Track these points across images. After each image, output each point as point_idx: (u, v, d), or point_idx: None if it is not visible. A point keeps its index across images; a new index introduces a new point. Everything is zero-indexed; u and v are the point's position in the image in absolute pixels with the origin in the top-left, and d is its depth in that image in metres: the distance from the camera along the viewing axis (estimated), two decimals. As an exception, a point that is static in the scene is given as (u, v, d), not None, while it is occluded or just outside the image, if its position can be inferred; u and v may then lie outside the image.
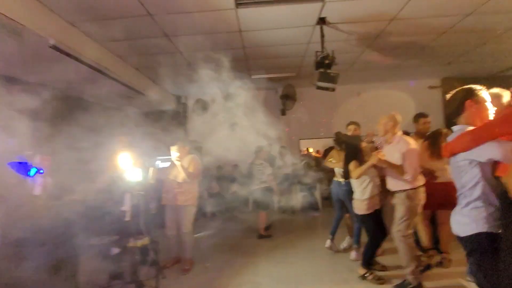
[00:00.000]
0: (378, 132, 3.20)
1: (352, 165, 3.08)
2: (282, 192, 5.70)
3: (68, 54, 3.57)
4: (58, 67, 3.43)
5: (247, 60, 5.46)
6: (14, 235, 2.66)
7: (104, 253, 3.12)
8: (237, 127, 7.25)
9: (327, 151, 4.28)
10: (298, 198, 6.31)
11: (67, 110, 3.74)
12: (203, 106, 7.62)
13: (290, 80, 6.84)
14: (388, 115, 3.06)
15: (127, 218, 2.95)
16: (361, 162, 3.03)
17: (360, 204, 3.09)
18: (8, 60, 3.55)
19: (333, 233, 4.01)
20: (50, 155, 2.61)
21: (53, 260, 2.70)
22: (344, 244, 4.07)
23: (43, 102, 2.73)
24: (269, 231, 5.03)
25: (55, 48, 3.40)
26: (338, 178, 3.81)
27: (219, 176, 7.01)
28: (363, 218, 3.16)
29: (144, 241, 3.03)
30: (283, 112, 7.39)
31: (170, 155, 3.59)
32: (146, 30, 4.06)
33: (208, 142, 6.97)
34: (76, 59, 3.60)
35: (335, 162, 3.84)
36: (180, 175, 3.49)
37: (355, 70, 6.28)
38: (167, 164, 3.95)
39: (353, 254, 3.71)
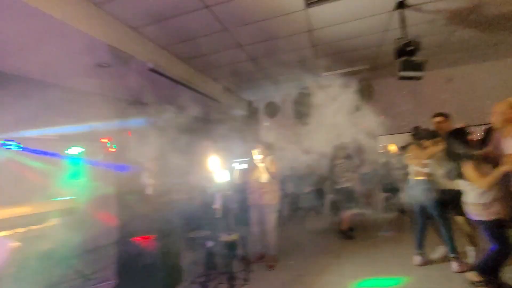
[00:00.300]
0: (494, 123, 2.66)
1: (469, 170, 2.56)
2: (364, 192, 5.41)
3: (162, 74, 4.16)
4: (155, 86, 4.03)
5: (317, 58, 5.39)
6: (132, 227, 3.23)
7: (200, 246, 3.51)
8: (311, 126, 7.21)
9: (404, 148, 3.86)
10: (381, 199, 5.87)
11: (163, 122, 4.34)
12: (274, 109, 7.82)
13: (365, 73, 6.45)
14: (507, 100, 2.53)
15: (218, 215, 3.28)
16: (476, 162, 2.55)
17: (478, 209, 2.61)
18: (132, 86, 4.30)
19: (420, 246, 3.41)
20: (156, 161, 3.12)
21: (162, 249, 3.17)
22: (437, 253, 3.51)
23: (148, 117, 3.29)
24: (351, 232, 4.83)
25: (153, 70, 4.02)
26: (416, 176, 3.35)
27: (294, 176, 7.06)
28: (485, 225, 2.61)
29: (234, 236, 3.29)
30: (358, 108, 6.99)
31: (245, 158, 3.82)
32: (222, 44, 4.44)
33: (281, 144, 7.14)
34: (169, 78, 4.15)
35: (413, 159, 3.40)
36: (264, 176, 3.68)
37: (444, 53, 5.53)
38: (243, 166, 4.18)
39: (454, 266, 3.14)
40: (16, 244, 1.70)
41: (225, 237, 3.19)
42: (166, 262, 3.15)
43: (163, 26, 3.78)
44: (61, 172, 3.73)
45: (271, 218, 3.71)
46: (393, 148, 8.14)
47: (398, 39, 3.80)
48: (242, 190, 4.00)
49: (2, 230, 2.39)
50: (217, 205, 3.21)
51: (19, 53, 3.46)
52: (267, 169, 3.64)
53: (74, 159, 3.73)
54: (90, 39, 3.27)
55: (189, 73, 5.05)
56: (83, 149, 3.67)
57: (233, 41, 4.36)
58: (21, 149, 3.31)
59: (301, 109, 7.19)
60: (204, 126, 5.23)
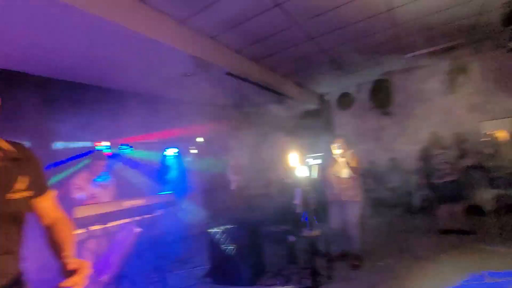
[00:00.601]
0: None
1: None
2: (467, 186, 4.66)
3: (238, 77, 4.41)
4: (233, 89, 4.29)
5: (399, 39, 4.87)
6: (220, 219, 3.53)
7: (281, 240, 3.61)
8: (394, 115, 6.57)
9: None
10: (489, 194, 4.95)
11: (242, 121, 4.61)
12: (348, 100, 7.41)
13: (460, 49, 5.51)
14: None
15: (299, 211, 3.30)
16: None
17: None
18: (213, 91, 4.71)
19: None
20: (239, 158, 3.37)
21: (247, 241, 3.38)
22: None
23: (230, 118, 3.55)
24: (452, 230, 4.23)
25: (229, 74, 4.29)
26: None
27: (375, 171, 6.58)
28: None
29: (315, 232, 3.27)
30: (452, 90, 6.04)
31: (320, 153, 3.71)
32: (293, 40, 4.42)
33: (357, 137, 6.73)
34: (244, 79, 4.36)
35: None
36: (344, 171, 3.54)
37: None
38: (319, 161, 4.08)
39: None
40: (138, 229, 2.07)
41: (306, 233, 3.20)
42: (250, 254, 3.35)
43: (237, 31, 3.99)
44: (162, 170, 4.41)
45: (354, 215, 3.54)
46: (502, 135, 6.77)
47: (507, 2, 3.13)
48: (321, 186, 3.93)
49: (125, 218, 2.94)
50: (297, 200, 3.24)
51: (125, 72, 4.17)
52: (347, 163, 3.48)
53: (172, 158, 4.36)
54: (176, 52, 3.71)
55: (261, 73, 5.21)
56: (178, 150, 4.24)
57: (303, 35, 4.30)
58: (132, 152, 4.04)
59: (381, 98, 6.62)
60: (280, 122, 5.33)
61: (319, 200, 4.29)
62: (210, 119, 4.10)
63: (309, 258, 3.36)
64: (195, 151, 4.59)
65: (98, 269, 2.08)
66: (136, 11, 3.03)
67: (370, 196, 6.05)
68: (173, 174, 4.48)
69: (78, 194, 2.96)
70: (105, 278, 1.97)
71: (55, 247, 1.11)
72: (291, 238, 3.42)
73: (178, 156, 4.73)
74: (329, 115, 7.66)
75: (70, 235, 1.18)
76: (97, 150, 4.27)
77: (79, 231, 2.66)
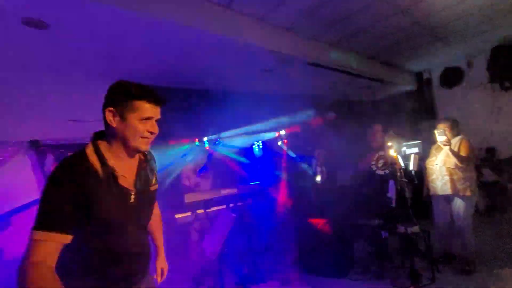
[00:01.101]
0: None
1: None
2: None
3: (321, 66, 4.28)
4: (317, 79, 4.20)
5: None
6: (308, 210, 3.59)
7: (372, 235, 3.40)
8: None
9: None
10: None
11: (330, 110, 4.46)
12: (455, 76, 6.23)
13: None
14: None
15: (393, 205, 3.04)
16: None
17: None
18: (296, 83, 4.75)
19: None
20: (323, 149, 3.32)
21: (335, 233, 3.34)
22: None
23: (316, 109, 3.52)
24: None
25: (311, 64, 4.21)
26: None
27: (492, 160, 5.41)
28: None
29: (414, 229, 2.96)
30: None
31: (418, 140, 3.25)
32: (378, 15, 3.98)
33: (467, 119, 5.63)
34: (328, 67, 4.21)
35: None
36: (450, 161, 3.05)
37: None
38: (416, 150, 3.61)
39: None
40: (233, 215, 2.34)
41: (403, 229, 2.93)
42: (337, 247, 3.30)
43: (313, 18, 3.85)
44: (250, 162, 4.77)
45: (465, 213, 3.01)
46: None
47: None
48: (420, 178, 3.49)
49: (221, 205, 3.35)
50: (391, 193, 2.98)
51: (218, 73, 4.60)
52: (454, 152, 2.97)
53: (260, 150, 4.66)
54: (257, 49, 3.87)
55: (346, 57, 4.91)
56: (263, 143, 4.50)
57: (391, 7, 3.82)
58: (223, 145, 4.51)
59: (502, 69, 5.33)
60: (370, 109, 4.92)
61: (418, 194, 3.85)
62: (296, 110, 4.13)
63: (405, 257, 3.08)
64: (281, 143, 4.78)
65: (204, 247, 2.46)
66: (224, 17, 3.31)
67: (488, 190, 5.04)
68: (261, 165, 4.77)
69: (186, 183, 3.52)
70: (209, 255, 2.31)
71: (153, 233, 1.47)
72: (384, 234, 3.19)
73: (266, 148, 5.00)
74: (429, 95, 6.62)
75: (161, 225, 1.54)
76: (198, 145, 4.96)
77: (188, 213, 3.18)
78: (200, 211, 3.18)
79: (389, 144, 3.00)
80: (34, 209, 0.98)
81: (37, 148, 4.18)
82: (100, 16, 2.86)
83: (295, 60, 4.24)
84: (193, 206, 2.86)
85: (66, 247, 0.97)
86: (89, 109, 4.51)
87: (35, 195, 4.10)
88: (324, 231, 3.29)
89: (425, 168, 3.35)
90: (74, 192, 0.98)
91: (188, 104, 4.60)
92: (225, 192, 3.09)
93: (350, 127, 3.55)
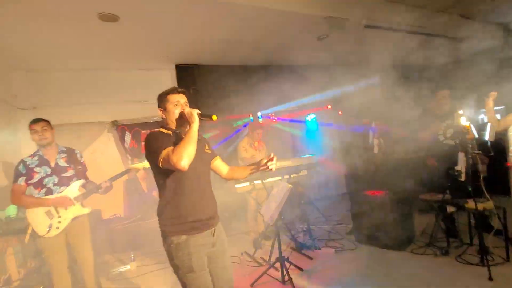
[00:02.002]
0: None
1: None
2: None
3: (379, 27, 3.91)
4: (374, 43, 3.89)
5: None
6: (364, 181, 3.52)
7: (437, 210, 3.21)
8: None
9: None
10: None
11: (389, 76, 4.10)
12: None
13: None
14: None
15: (462, 178, 2.80)
16: None
17: None
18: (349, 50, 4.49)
19: None
20: (382, 121, 3.14)
21: (394, 206, 3.24)
22: None
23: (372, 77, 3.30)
24: None
25: (369, 26, 3.88)
26: None
27: None
28: None
29: (486, 204, 2.71)
30: None
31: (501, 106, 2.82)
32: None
33: None
34: (387, 28, 3.83)
35: None
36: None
37: None
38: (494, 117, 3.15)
39: None
40: (289, 185, 2.47)
41: (472, 204, 2.70)
42: (396, 218, 3.21)
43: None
44: (304, 134, 4.80)
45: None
46: None
47: None
48: (497, 149, 3.10)
49: (276, 177, 3.52)
50: (460, 166, 2.74)
51: (274, 47, 4.59)
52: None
53: (312, 123, 4.63)
54: (310, 17, 3.71)
55: (409, 14, 4.36)
56: (316, 115, 4.44)
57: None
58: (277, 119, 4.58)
59: None
60: (440, 72, 4.35)
61: (494, 167, 3.45)
62: (352, 80, 3.90)
63: (475, 234, 2.87)
64: (335, 114, 4.63)
65: (262, 214, 2.68)
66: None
67: None
68: (314, 138, 4.76)
69: (243, 155, 3.76)
70: (268, 220, 2.52)
71: (242, 171, 1.80)
72: (450, 209, 2.99)
73: (319, 121, 4.94)
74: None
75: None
76: (253, 120, 5.15)
77: (246, 183, 3.44)
78: (257, 182, 3.41)
79: (460, 112, 2.70)
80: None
81: (117, 127, 4.87)
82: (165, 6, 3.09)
83: (351, 24, 3.96)
84: (250, 177, 3.09)
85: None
86: (153, 92, 5.05)
87: (120, 167, 4.88)
88: (381, 202, 3.22)
89: (507, 137, 2.95)
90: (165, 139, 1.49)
91: (244, 80, 4.75)
92: (280, 164, 3.22)
93: (412, 93, 3.24)
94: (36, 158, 2.33)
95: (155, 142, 1.46)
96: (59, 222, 2.28)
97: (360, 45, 4.27)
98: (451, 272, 2.65)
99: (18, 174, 2.26)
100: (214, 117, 1.51)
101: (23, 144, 4.47)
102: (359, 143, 3.73)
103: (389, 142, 3.43)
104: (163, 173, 1.46)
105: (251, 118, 5.29)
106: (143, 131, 4.95)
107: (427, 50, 5.19)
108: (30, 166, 2.29)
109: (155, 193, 4.65)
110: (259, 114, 5.28)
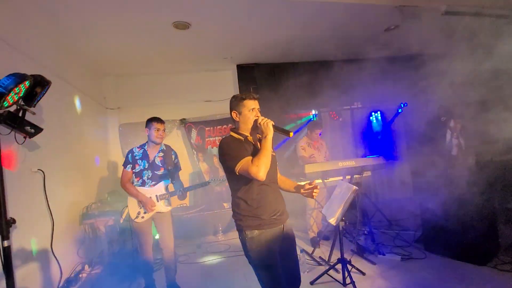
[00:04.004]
0: None
1: None
2: None
3: (461, 13, 3.47)
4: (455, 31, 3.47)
5: None
6: (437, 187, 3.17)
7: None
8: None
9: None
10: None
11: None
12: None
13: None
14: None
15: None
16: None
17: None
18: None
19: None
20: (461, 119, 2.78)
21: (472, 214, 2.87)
22: None
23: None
24: None
25: (448, 13, 3.46)
26: None
27: None
28: None
29: None
30: None
31: None
32: None
33: None
34: (476, 13, 3.37)
35: None
36: None
37: None
38: None
39: None
40: (354, 187, 2.38)
41: None
42: (477, 229, 2.83)
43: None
44: (368, 134, 4.54)
45: None
46: None
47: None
48: None
49: (338, 177, 3.42)
50: None
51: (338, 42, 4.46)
52: None
53: (377, 121, 4.35)
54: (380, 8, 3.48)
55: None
56: (382, 114, 4.16)
57: None
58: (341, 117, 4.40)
59: None
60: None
61: None
62: (422, 73, 3.53)
63: None
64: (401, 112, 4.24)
65: (323, 213, 2.65)
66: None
67: None
68: (379, 137, 4.46)
69: (302, 154, 3.76)
70: (330, 222, 2.48)
71: (288, 186, 1.84)
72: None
73: (385, 119, 4.59)
74: None
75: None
76: (312, 120, 5.09)
77: (308, 181, 3.43)
78: (318, 181, 3.38)
79: None
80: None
81: (185, 124, 5.33)
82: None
83: (427, 12, 3.59)
84: (311, 176, 3.07)
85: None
86: (216, 92, 5.38)
87: (186, 161, 5.32)
88: (456, 211, 2.88)
89: None
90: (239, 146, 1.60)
91: (306, 78, 4.72)
92: (342, 164, 3.12)
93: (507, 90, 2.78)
94: (141, 151, 2.64)
95: (231, 150, 1.56)
96: (145, 212, 2.62)
97: (437, 34, 3.83)
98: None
99: (127, 162, 2.61)
100: (291, 134, 1.58)
101: (110, 139, 5.22)
102: (433, 143, 3.36)
103: (472, 142, 3.01)
104: (239, 176, 1.55)
105: (311, 116, 5.21)
106: (206, 128, 5.31)
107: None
108: (135, 158, 2.61)
109: (218, 188, 4.97)
110: (319, 112, 5.17)
